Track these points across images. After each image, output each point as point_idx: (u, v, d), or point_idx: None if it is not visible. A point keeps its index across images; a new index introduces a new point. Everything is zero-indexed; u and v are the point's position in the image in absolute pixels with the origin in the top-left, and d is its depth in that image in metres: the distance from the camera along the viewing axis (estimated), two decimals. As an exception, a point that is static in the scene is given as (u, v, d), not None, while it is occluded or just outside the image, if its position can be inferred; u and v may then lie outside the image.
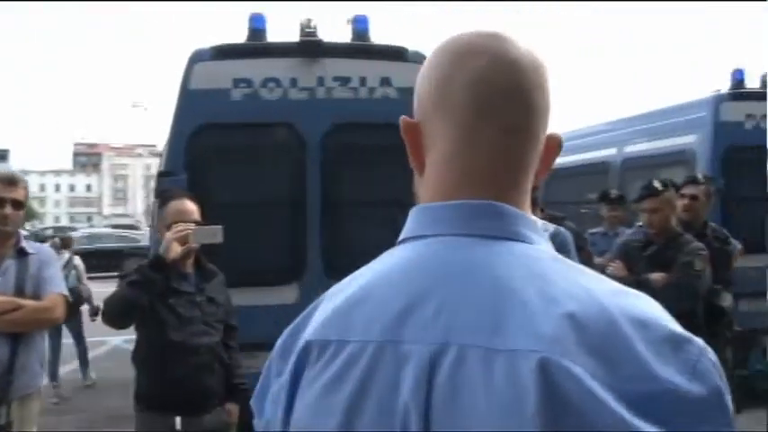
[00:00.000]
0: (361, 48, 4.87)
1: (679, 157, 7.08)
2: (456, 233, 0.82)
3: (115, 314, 3.09)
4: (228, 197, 4.63)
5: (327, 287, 0.91)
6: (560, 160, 0.95)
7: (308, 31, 4.73)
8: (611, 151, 8.66)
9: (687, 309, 3.53)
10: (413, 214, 0.88)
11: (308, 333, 0.84)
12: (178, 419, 3.07)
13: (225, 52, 4.65)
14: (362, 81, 4.76)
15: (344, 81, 4.74)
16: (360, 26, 4.93)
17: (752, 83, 6.99)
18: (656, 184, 3.87)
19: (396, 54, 4.84)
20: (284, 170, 4.81)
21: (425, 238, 0.84)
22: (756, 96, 6.80)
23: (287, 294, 4.58)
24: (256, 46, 4.77)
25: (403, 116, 0.92)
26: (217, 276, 3.35)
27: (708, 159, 6.58)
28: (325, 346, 0.81)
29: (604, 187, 7.25)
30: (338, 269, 4.70)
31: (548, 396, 0.67)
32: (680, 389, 0.68)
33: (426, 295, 0.77)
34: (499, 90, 0.84)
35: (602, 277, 0.81)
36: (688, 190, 4.39)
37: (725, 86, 7.01)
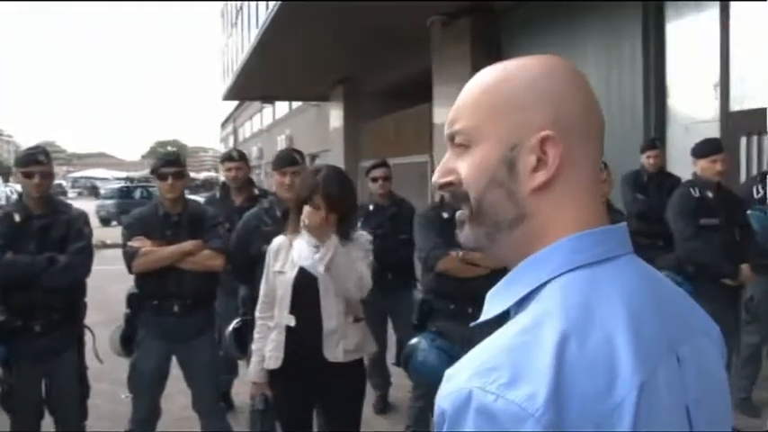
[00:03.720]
0: None
1: None
2: (627, 252, 0.91)
3: None
4: None
5: None
6: None
7: None
8: None
9: None
10: (589, 237, 0.88)
11: (631, 379, 0.78)
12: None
13: None
14: None
15: None
16: None
17: None
18: None
19: None
20: None
21: (618, 259, 0.89)
22: None
23: None
24: None
25: (548, 131, 0.87)
26: None
27: None
28: (651, 380, 0.81)
29: None
30: None
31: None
32: None
33: (663, 306, 0.89)
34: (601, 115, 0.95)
35: None
36: None
37: None
